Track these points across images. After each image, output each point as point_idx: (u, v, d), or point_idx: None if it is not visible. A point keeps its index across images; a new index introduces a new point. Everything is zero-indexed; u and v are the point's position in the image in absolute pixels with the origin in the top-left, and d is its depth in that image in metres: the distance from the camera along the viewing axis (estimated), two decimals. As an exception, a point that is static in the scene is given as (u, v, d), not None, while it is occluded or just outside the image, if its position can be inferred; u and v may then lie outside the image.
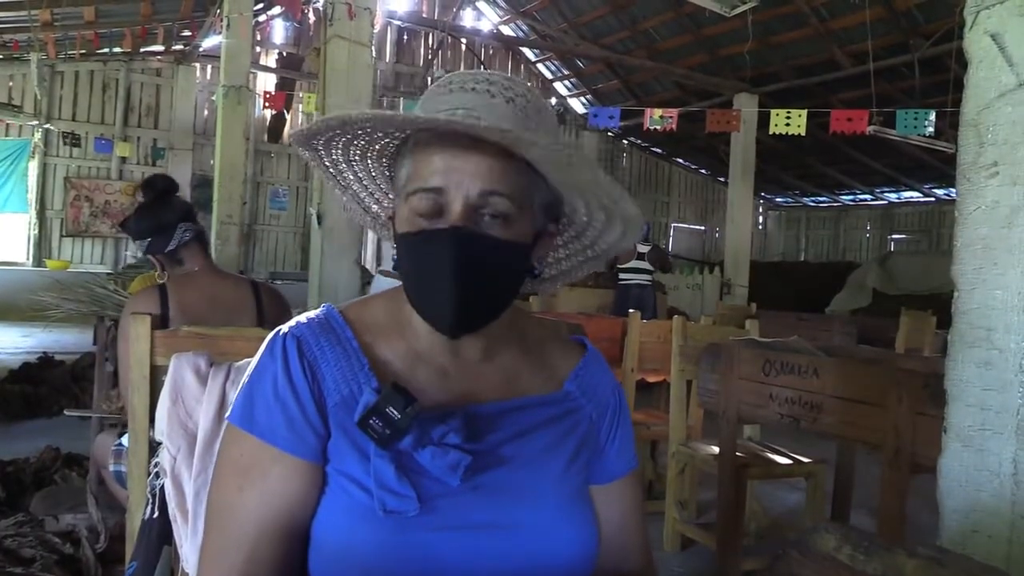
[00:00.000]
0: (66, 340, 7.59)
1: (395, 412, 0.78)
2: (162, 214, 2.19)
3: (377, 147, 0.91)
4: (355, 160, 0.94)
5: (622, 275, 7.46)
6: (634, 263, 7.35)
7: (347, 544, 0.80)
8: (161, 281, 2.20)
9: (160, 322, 1.95)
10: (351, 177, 0.97)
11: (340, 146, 0.91)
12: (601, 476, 0.96)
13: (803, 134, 7.51)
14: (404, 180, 0.86)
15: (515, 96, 0.85)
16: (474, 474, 0.82)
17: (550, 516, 0.86)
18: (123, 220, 2.30)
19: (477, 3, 14.49)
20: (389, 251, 0.98)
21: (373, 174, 0.96)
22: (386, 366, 0.88)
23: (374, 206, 1.00)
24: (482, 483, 0.83)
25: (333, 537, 0.81)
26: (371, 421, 0.78)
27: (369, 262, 12.41)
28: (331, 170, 0.96)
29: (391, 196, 0.95)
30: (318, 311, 0.91)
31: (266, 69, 13.14)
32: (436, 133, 0.82)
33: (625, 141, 15.39)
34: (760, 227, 17.66)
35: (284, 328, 0.88)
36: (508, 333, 0.94)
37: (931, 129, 6.96)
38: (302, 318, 0.90)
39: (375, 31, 5.35)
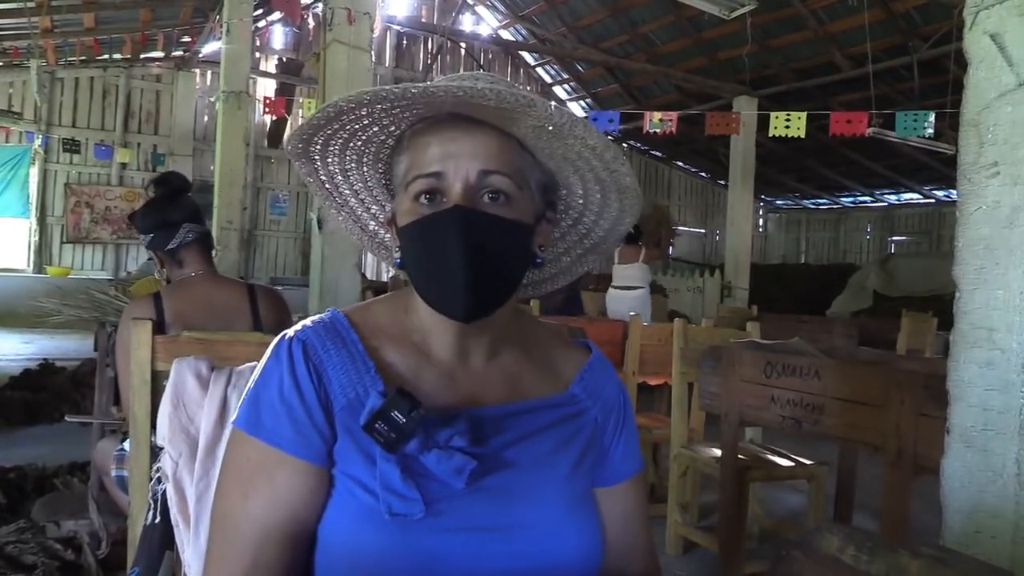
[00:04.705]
0: (67, 346, 7.60)
1: (400, 416, 0.78)
2: (169, 211, 2.17)
3: (373, 147, 0.91)
4: (351, 169, 0.94)
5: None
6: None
7: (353, 546, 0.80)
8: (160, 279, 2.20)
9: (156, 330, 1.95)
10: (347, 192, 0.97)
11: (337, 150, 0.91)
12: (606, 478, 0.96)
13: (803, 136, 7.50)
14: (402, 174, 0.87)
15: (499, 80, 0.85)
16: (479, 477, 0.82)
17: (555, 518, 0.86)
18: (132, 213, 2.30)
19: (476, 7, 14.50)
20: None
21: (370, 184, 0.96)
22: (391, 369, 0.88)
23: (371, 223, 1.00)
24: (487, 486, 0.83)
25: (339, 539, 0.81)
26: (377, 425, 0.78)
27: (369, 268, 12.39)
28: (327, 185, 0.96)
29: (387, 207, 0.95)
30: (323, 315, 0.91)
31: (266, 74, 13.17)
32: (430, 122, 0.84)
33: (625, 145, 15.38)
34: (760, 230, 17.64)
35: (290, 332, 0.88)
36: (512, 335, 0.94)
37: (930, 131, 6.94)
38: (308, 322, 0.90)
39: (374, 36, 5.36)
